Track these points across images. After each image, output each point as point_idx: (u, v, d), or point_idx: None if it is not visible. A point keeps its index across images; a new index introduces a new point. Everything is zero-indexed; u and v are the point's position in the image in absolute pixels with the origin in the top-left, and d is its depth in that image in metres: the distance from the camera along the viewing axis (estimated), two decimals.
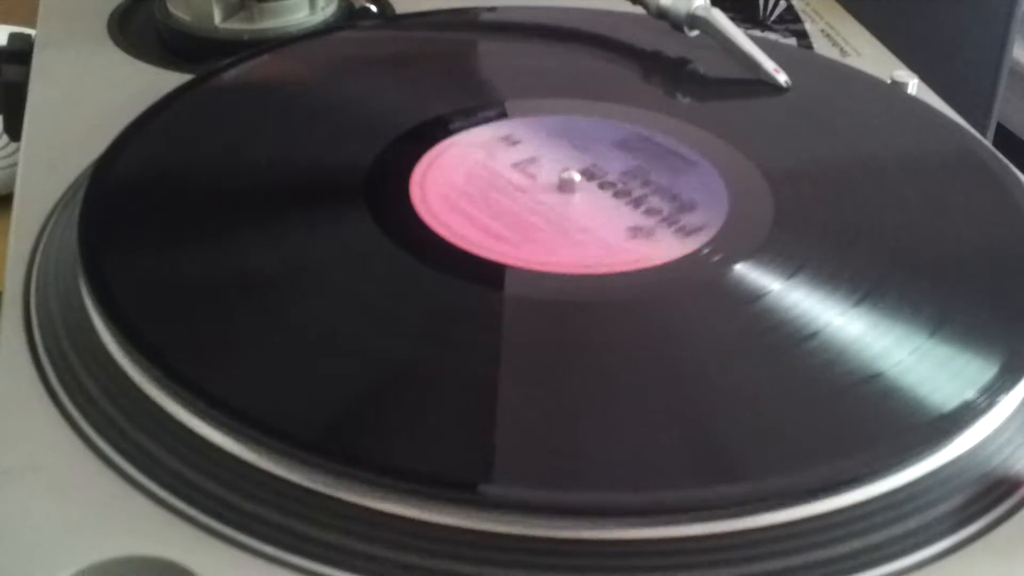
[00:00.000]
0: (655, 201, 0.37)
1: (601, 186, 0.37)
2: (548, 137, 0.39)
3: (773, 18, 0.55)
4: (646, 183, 0.38)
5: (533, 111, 0.41)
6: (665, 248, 0.34)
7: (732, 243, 0.34)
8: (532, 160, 0.38)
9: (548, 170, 0.38)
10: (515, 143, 0.39)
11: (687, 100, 0.44)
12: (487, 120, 0.40)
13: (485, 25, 0.49)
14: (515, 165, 0.38)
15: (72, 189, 0.37)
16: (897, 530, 0.27)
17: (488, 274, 0.33)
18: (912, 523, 0.27)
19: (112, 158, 0.37)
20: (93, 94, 0.43)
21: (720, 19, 0.45)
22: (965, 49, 0.61)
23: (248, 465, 0.27)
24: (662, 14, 0.46)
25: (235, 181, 0.37)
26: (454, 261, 0.33)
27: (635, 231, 0.35)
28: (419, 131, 0.39)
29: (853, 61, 0.50)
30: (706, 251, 0.34)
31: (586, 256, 0.34)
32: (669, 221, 0.36)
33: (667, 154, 0.39)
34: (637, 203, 0.36)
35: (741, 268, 0.33)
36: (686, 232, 0.35)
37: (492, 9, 0.50)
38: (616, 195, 0.37)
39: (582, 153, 0.39)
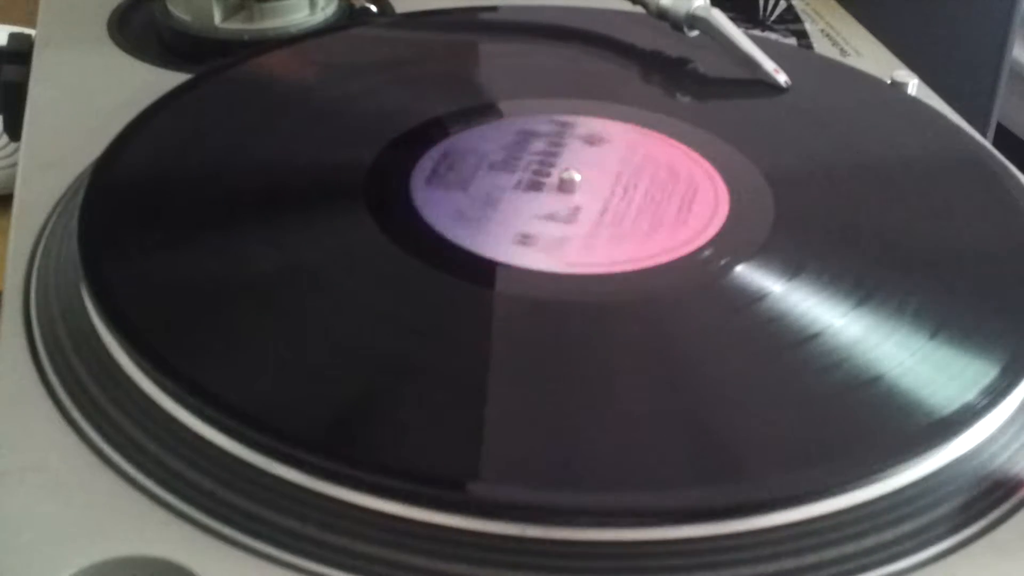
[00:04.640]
0: (555, 141, 0.39)
1: (541, 171, 0.37)
2: (483, 208, 0.36)
3: (773, 18, 0.55)
4: (518, 152, 0.39)
5: (532, 112, 0.41)
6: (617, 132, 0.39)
7: (732, 244, 0.34)
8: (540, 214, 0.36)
9: (547, 204, 0.36)
10: (531, 238, 0.34)
11: (687, 100, 0.44)
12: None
13: (485, 25, 0.49)
14: (565, 221, 0.35)
15: (72, 189, 0.37)
16: (898, 531, 0.27)
17: (486, 274, 0.33)
18: (913, 524, 0.27)
19: (112, 158, 0.37)
20: (93, 94, 0.43)
21: (720, 19, 0.45)
22: (965, 49, 0.61)
23: (248, 465, 0.27)
24: (662, 14, 0.46)
25: (235, 181, 0.37)
26: (454, 260, 0.33)
27: (590, 142, 0.37)
28: (419, 131, 0.39)
29: (853, 61, 0.50)
30: (706, 252, 0.34)
31: (670, 153, 0.37)
32: (576, 132, 0.39)
33: (458, 146, 0.39)
34: (552, 157, 0.38)
35: (741, 269, 0.33)
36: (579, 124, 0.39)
37: (492, 9, 0.50)
38: (551, 157, 0.38)
39: (498, 195, 0.36)
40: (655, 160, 0.38)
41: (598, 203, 0.36)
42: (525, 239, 0.34)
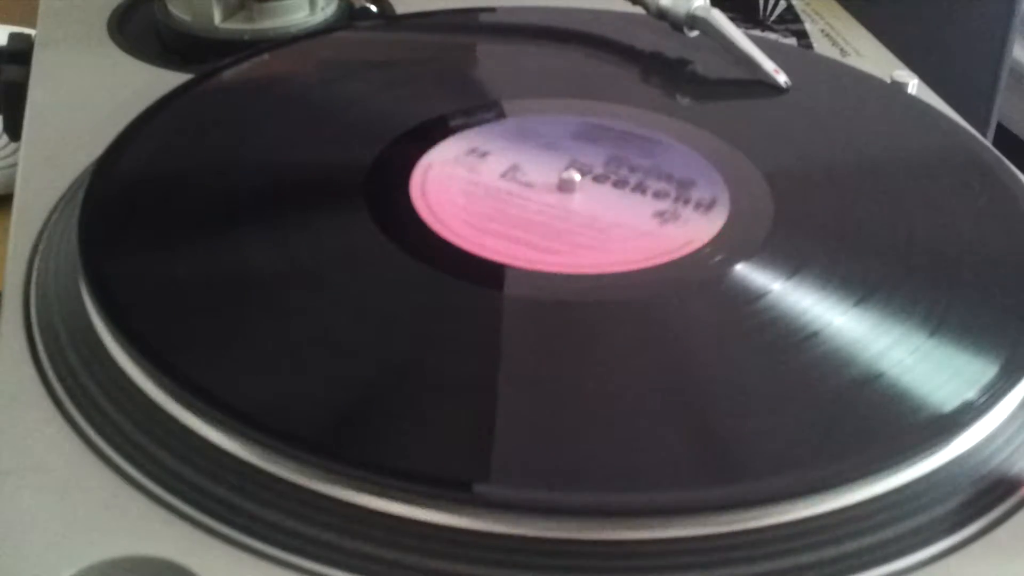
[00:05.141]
0: (655, 183, 0.37)
1: (596, 179, 0.37)
2: (512, 142, 0.39)
3: (773, 18, 0.55)
4: (633, 168, 0.38)
5: (530, 112, 0.41)
6: (699, 227, 0.35)
7: (732, 243, 0.34)
8: (515, 168, 0.38)
9: (537, 174, 0.37)
10: (484, 155, 0.38)
11: (687, 100, 0.44)
12: (462, 128, 0.40)
13: (485, 25, 0.49)
14: (503, 176, 0.37)
15: (72, 189, 0.37)
16: (897, 530, 0.27)
17: (487, 274, 0.33)
18: (912, 523, 0.27)
19: (112, 158, 0.37)
20: (93, 94, 0.43)
21: (720, 19, 0.45)
22: (965, 49, 0.61)
23: (248, 465, 0.27)
24: (662, 14, 0.46)
25: (235, 181, 0.37)
26: (454, 261, 0.33)
27: (661, 217, 0.35)
28: (419, 131, 0.39)
29: (853, 61, 0.50)
30: (707, 251, 0.34)
31: (637, 251, 0.34)
32: (682, 200, 0.36)
33: (631, 137, 0.40)
34: (641, 189, 0.37)
35: (741, 268, 0.33)
36: (705, 207, 0.36)
37: (492, 9, 0.50)
38: (616, 185, 0.37)
39: (555, 151, 0.39)
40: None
41: (547, 205, 0.36)
42: (472, 152, 0.38)
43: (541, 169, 0.37)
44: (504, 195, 0.36)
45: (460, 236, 0.34)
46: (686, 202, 0.36)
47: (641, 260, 0.34)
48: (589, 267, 0.33)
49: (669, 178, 0.37)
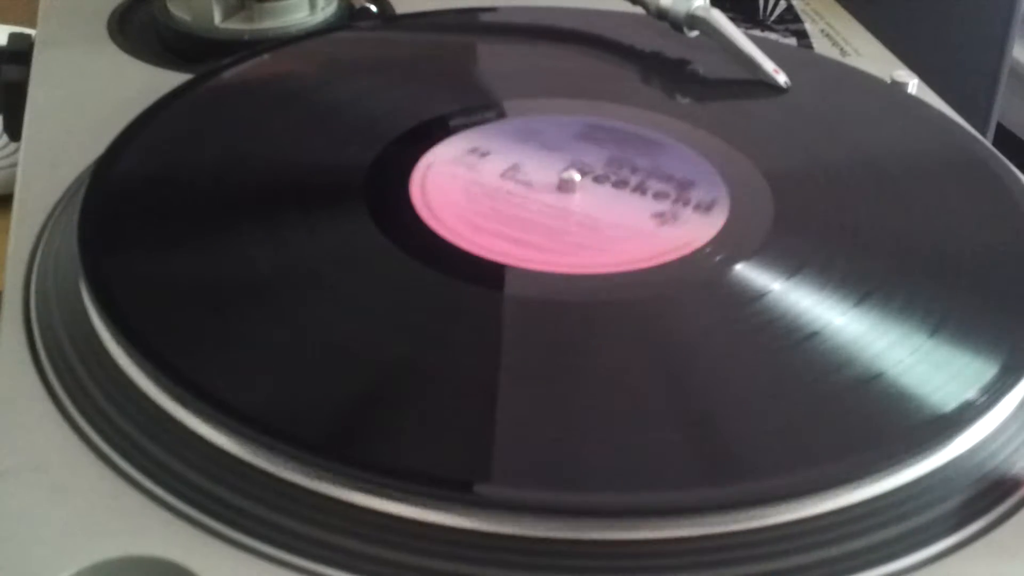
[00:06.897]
0: (655, 184, 0.37)
1: (596, 180, 0.37)
2: (513, 142, 0.39)
3: (773, 18, 0.55)
4: (634, 169, 0.38)
5: (530, 112, 0.41)
6: (697, 228, 0.35)
7: (732, 243, 0.34)
8: (515, 167, 0.37)
9: (537, 174, 0.37)
10: (485, 154, 0.38)
11: (687, 100, 0.44)
12: (461, 128, 0.40)
13: (485, 25, 0.49)
14: (503, 175, 0.37)
15: (72, 189, 0.37)
16: (897, 530, 0.27)
17: (487, 274, 0.33)
18: (912, 523, 0.27)
19: (112, 158, 0.37)
20: (93, 94, 0.43)
21: (720, 19, 0.45)
22: (965, 49, 0.61)
23: (248, 465, 0.27)
24: (662, 14, 0.46)
25: (235, 181, 0.37)
26: (454, 261, 0.33)
27: (659, 218, 0.35)
28: (419, 131, 0.39)
29: (853, 61, 0.50)
30: (707, 251, 0.34)
31: (635, 252, 0.34)
32: (682, 201, 0.36)
33: (632, 138, 0.40)
34: (641, 190, 0.37)
35: (741, 268, 0.33)
36: (704, 208, 0.36)
37: (492, 9, 0.50)
38: (616, 186, 0.37)
39: (557, 152, 0.39)
40: None
41: (546, 206, 0.36)
42: (472, 151, 0.37)
43: (541, 169, 0.37)
44: (504, 195, 0.36)
45: (460, 236, 0.34)
46: (686, 203, 0.36)
47: (641, 260, 0.34)
48: (589, 267, 0.33)
49: (669, 179, 0.37)
